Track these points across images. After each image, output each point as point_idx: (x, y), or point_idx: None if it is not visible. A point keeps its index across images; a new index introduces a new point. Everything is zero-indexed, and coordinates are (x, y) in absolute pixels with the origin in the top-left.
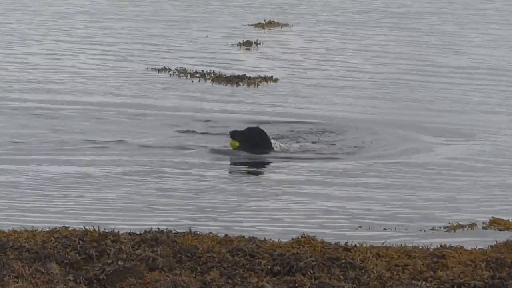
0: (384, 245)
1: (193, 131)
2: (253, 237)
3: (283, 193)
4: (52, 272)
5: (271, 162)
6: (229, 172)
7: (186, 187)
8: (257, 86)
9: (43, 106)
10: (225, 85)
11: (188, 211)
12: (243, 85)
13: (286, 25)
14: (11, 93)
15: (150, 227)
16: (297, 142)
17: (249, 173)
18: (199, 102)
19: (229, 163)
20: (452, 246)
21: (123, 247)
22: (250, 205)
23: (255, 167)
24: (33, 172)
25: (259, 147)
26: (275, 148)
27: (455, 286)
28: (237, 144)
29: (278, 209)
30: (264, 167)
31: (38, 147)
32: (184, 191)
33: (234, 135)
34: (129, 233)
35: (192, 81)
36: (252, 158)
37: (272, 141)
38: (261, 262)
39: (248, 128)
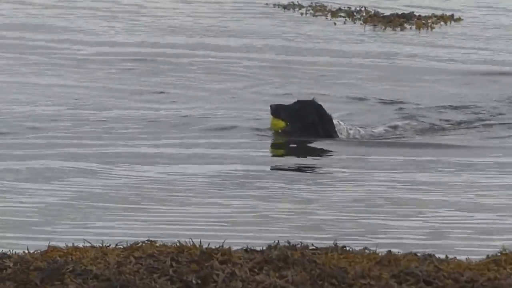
0: None
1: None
2: (430, 255)
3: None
4: None
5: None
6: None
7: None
8: (431, 29)
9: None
10: (383, 28)
11: (324, 219)
12: (410, 27)
13: None
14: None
15: (275, 240)
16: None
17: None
18: (346, 52)
19: (353, 154)
20: None
21: (237, 271)
22: (408, 211)
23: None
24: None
25: (314, 129)
26: (339, 135)
27: None
28: (282, 124)
29: (462, 214)
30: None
31: (123, 127)
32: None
33: (277, 111)
34: (246, 250)
35: (335, 23)
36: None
37: (336, 122)
38: None
39: (299, 102)
